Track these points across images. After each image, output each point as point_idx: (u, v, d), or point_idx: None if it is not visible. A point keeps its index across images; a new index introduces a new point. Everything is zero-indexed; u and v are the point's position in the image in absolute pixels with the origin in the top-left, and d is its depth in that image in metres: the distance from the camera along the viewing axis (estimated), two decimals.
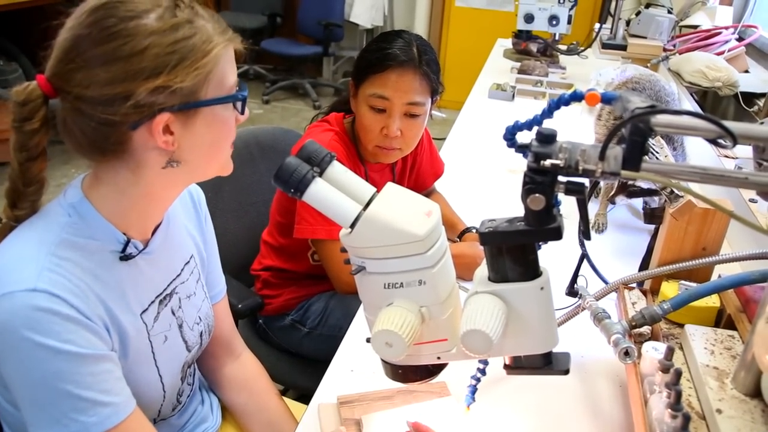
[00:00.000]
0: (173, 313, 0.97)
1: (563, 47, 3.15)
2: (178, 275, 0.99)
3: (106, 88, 0.75)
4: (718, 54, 2.54)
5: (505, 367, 0.80)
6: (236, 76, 0.86)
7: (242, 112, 0.86)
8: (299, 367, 1.58)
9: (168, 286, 0.96)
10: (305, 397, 1.28)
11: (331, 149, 1.38)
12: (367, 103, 1.38)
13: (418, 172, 1.67)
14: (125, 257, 0.87)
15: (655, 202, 1.47)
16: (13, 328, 0.74)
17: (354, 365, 1.08)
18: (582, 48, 3.10)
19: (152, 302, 0.93)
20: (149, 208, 0.89)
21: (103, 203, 0.84)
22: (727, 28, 2.72)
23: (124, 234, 0.86)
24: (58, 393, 0.77)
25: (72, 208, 0.83)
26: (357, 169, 1.47)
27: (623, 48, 2.95)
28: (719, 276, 1.00)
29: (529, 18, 2.95)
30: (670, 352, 0.81)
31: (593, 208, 1.63)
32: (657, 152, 1.21)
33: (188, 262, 1.02)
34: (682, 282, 1.04)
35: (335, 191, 0.75)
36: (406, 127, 1.38)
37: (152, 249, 0.92)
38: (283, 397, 1.21)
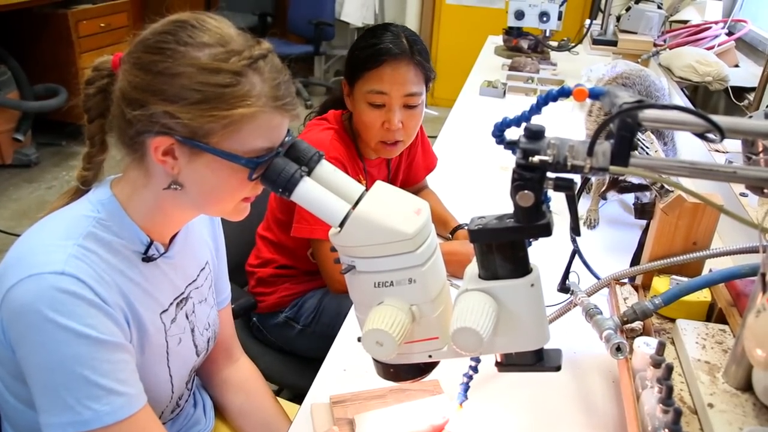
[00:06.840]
0: (187, 317, 0.99)
1: (554, 44, 3.16)
2: (194, 280, 1.01)
3: (133, 91, 0.79)
4: (708, 49, 2.55)
5: (497, 364, 0.80)
6: (271, 144, 0.81)
7: (249, 177, 0.81)
8: (293, 366, 1.57)
9: (186, 289, 0.98)
10: (300, 397, 1.28)
11: (332, 149, 1.39)
12: (366, 100, 1.37)
13: (412, 166, 1.67)
14: (147, 258, 0.89)
15: (646, 197, 1.47)
16: (37, 308, 0.76)
17: (346, 365, 1.08)
18: (573, 44, 3.11)
19: (171, 303, 0.94)
20: (163, 219, 0.90)
21: (128, 203, 0.87)
22: (716, 22, 2.73)
23: (148, 236, 0.88)
24: (75, 377, 0.77)
25: (101, 205, 0.86)
26: (356, 165, 1.46)
27: (614, 44, 2.96)
28: (710, 270, 1.00)
29: (519, 15, 2.95)
30: (661, 347, 0.81)
31: (585, 203, 1.63)
32: (647, 147, 1.21)
33: (203, 268, 1.04)
34: (674, 277, 1.05)
35: (324, 190, 0.75)
36: (406, 119, 1.39)
37: (173, 254, 0.94)
38: (277, 398, 1.21)
